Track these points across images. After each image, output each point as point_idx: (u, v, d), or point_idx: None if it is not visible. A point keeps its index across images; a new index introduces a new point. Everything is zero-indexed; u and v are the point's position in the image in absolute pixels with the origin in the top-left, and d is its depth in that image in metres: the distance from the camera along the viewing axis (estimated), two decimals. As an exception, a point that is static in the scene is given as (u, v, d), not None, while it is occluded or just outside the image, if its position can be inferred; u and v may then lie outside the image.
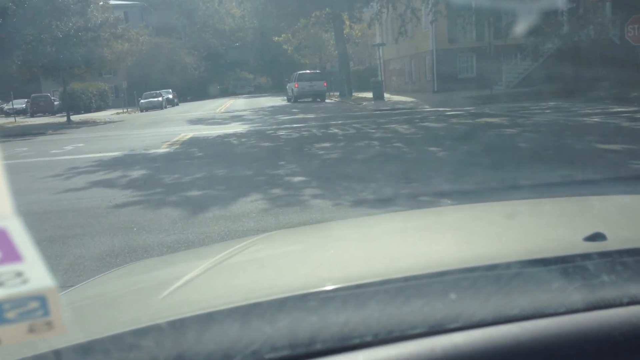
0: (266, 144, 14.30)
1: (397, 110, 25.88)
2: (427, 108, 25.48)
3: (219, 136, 17.18)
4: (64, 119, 40.77)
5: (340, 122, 19.67)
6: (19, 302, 0.51)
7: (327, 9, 41.05)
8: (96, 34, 30.20)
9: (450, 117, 18.88)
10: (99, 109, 52.45)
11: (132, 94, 55.07)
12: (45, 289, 0.52)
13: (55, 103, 50.71)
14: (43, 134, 26.08)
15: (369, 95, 43.17)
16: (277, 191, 7.97)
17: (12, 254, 0.52)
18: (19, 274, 0.52)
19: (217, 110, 35.49)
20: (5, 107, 53.56)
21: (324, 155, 11.70)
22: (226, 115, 28.87)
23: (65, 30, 28.70)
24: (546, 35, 26.56)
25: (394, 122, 18.21)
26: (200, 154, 13.13)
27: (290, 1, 37.92)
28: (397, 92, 39.70)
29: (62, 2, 27.69)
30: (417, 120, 18.32)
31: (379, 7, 30.47)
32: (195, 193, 8.27)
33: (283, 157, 11.64)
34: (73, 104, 49.16)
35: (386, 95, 35.24)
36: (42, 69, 30.90)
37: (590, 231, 1.05)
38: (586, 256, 0.93)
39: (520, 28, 24.88)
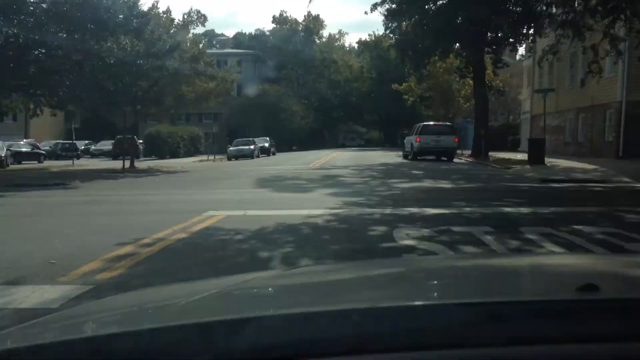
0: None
1: (589, 184, 15.25)
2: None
3: (264, 229, 7.42)
4: (143, 163, 33.35)
5: (525, 207, 9.38)
6: None
7: (464, 52, 30.99)
8: (162, 63, 21.90)
9: None
10: (188, 155, 45.03)
11: (225, 141, 47.48)
12: None
13: (142, 146, 43.70)
14: (61, 185, 17.69)
15: (509, 155, 32.18)
16: None
17: None
18: None
19: (311, 165, 26.08)
20: (92, 148, 47.45)
21: None
22: (317, 174, 19.26)
23: (119, 55, 20.45)
24: None
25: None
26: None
27: (425, 35, 28.29)
28: (553, 155, 28.38)
29: (105, 14, 19.14)
30: None
31: (557, 37, 19.99)
32: None
33: None
34: (158, 148, 42.12)
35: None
36: (92, 103, 23.00)
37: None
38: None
39: None
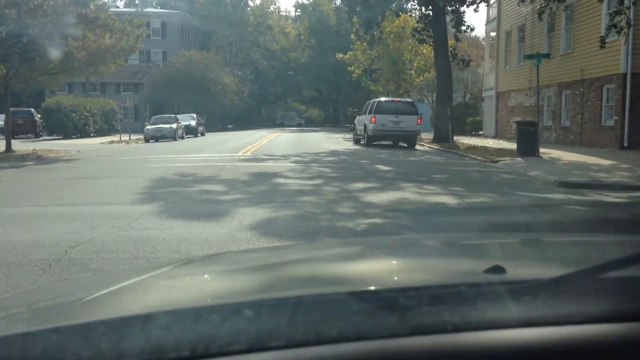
0: None
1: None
2: None
3: None
4: (35, 144, 26.53)
5: None
6: None
7: (426, 9, 25.69)
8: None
9: None
10: (101, 133, 37.87)
11: (146, 118, 40.55)
12: None
13: (40, 122, 36.22)
14: None
15: (476, 141, 27.26)
16: None
17: None
18: None
19: (241, 152, 20.04)
20: (-18, 123, 39.43)
21: None
22: (246, 171, 13.28)
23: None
24: None
25: None
26: None
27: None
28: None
29: None
30: None
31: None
32: None
33: None
34: (59, 125, 34.85)
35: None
36: None
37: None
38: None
39: None
